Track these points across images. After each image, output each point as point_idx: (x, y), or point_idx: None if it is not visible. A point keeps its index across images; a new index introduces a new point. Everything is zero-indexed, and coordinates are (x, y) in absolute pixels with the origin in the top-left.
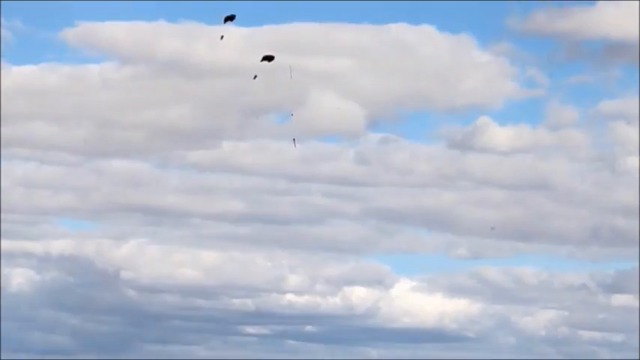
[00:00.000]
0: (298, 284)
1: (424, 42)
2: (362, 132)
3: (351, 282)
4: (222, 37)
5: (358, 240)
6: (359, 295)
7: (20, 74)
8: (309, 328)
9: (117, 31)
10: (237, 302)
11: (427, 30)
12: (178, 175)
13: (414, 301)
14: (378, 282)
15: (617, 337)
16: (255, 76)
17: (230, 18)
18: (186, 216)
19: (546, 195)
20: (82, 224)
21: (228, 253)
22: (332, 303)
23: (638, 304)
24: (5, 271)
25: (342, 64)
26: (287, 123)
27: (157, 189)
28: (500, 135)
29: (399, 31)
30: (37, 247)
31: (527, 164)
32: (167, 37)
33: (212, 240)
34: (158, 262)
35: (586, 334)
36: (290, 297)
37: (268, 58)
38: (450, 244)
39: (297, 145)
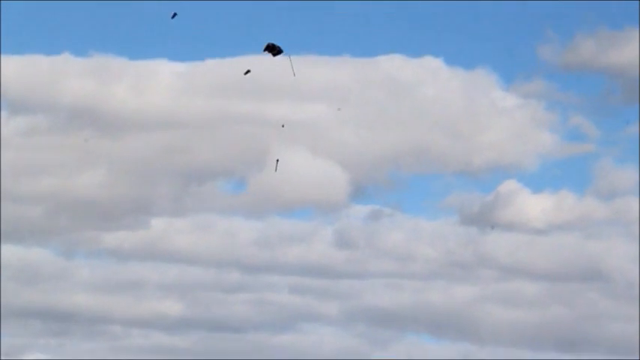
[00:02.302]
0: None
1: (427, 80)
2: (343, 203)
3: None
4: (248, 71)
5: (340, 352)
6: None
7: None
8: None
9: (4, 67)
10: None
11: (431, 64)
12: (90, 266)
13: None
14: None
15: None
16: (248, 71)
17: (273, 49)
18: (101, 322)
19: (598, 288)
20: None
21: None
22: None
23: None
24: None
25: (315, 110)
26: (241, 193)
27: (60, 285)
28: (534, 206)
29: (393, 65)
30: None
31: (572, 246)
32: (74, 76)
33: (137, 354)
34: None
35: None
36: None
37: (273, 50)
38: (466, 356)
39: (256, 223)
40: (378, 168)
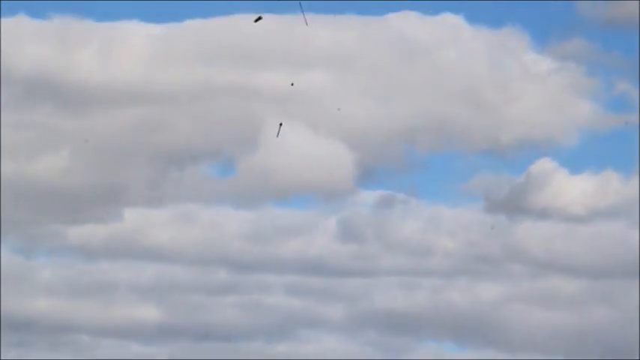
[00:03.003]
0: None
1: (446, 41)
2: (349, 189)
3: None
4: (259, 18)
5: None
6: None
7: None
8: None
9: None
10: None
11: (451, 22)
12: (53, 266)
13: None
14: None
15: None
16: (260, 18)
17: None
18: (67, 331)
19: None
20: None
21: None
22: None
23: None
24: None
25: (314, 79)
26: (229, 177)
27: (18, 288)
28: (573, 189)
29: (406, 24)
30: None
31: (617, 236)
32: (30, 41)
33: None
34: None
35: None
36: None
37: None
38: None
39: (247, 214)
40: (389, 146)
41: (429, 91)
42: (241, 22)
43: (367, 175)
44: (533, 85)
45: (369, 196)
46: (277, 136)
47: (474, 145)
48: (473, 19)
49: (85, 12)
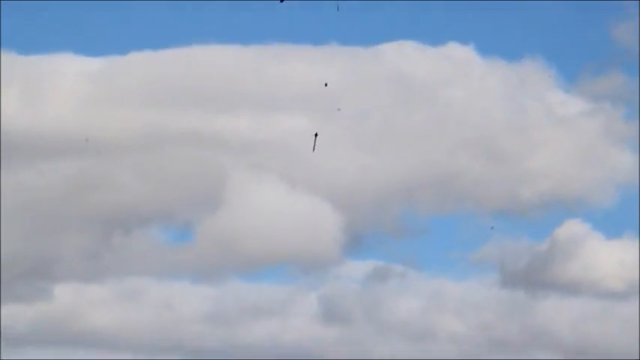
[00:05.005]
0: None
1: (453, 78)
2: (334, 258)
3: None
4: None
5: None
6: None
7: None
8: None
9: None
10: None
11: (458, 54)
12: None
13: None
14: None
15: None
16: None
17: None
18: None
19: None
20: None
21: None
22: None
23: None
24: None
25: (290, 125)
26: (186, 245)
27: None
28: (609, 258)
29: (403, 56)
30: None
31: None
32: None
33: None
34: None
35: None
36: None
37: None
38: None
39: (207, 289)
40: (382, 207)
41: (432, 139)
42: (199, 54)
43: (356, 243)
44: (560, 131)
45: (359, 268)
46: (314, 150)
47: (486, 204)
48: (485, 50)
49: (8, 42)
